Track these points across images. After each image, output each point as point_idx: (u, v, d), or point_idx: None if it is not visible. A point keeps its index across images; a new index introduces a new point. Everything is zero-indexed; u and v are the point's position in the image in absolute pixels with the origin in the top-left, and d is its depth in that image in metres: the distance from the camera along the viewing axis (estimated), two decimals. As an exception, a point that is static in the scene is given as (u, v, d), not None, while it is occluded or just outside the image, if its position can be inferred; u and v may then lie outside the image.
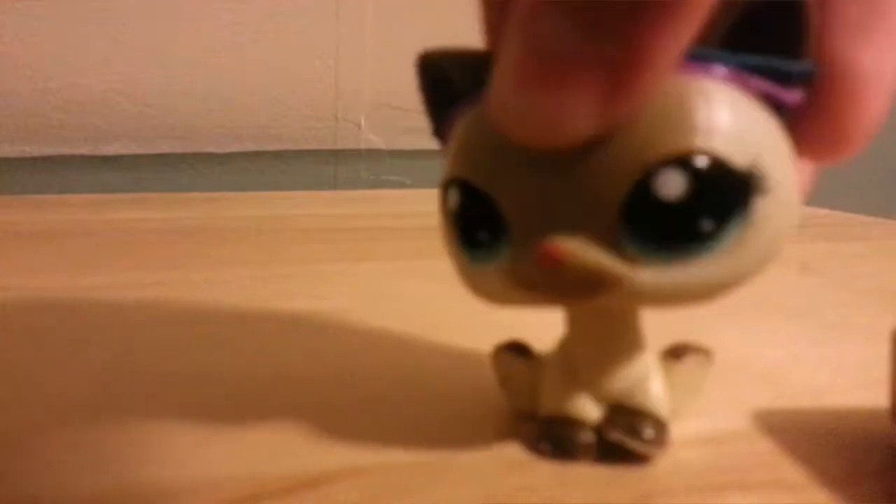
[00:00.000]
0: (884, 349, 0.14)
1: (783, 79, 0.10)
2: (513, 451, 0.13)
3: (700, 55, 0.10)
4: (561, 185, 0.10)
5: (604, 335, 0.13)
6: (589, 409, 0.13)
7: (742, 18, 0.10)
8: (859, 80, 0.10)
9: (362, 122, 0.55)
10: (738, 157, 0.10)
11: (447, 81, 0.12)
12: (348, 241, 0.33)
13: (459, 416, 0.14)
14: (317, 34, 0.52)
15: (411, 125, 0.53)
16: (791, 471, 0.12)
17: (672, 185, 0.09)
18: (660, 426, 0.12)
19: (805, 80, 0.10)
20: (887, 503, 0.12)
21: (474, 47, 0.11)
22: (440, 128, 0.12)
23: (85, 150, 0.54)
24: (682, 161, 0.09)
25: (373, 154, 0.56)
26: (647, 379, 0.13)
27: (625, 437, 0.12)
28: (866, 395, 0.15)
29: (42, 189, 0.54)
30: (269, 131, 0.56)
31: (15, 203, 0.48)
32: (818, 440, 0.14)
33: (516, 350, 0.14)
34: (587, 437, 0.12)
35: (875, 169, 0.75)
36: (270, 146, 0.57)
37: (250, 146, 0.57)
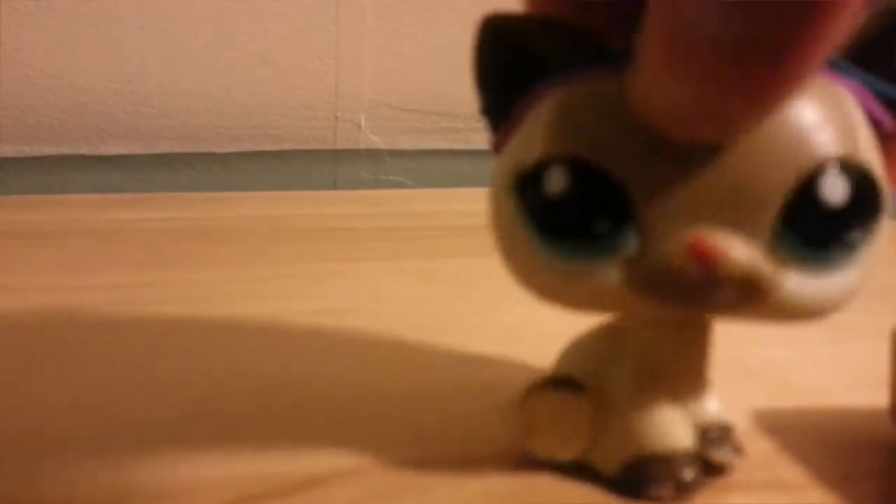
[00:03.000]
0: (884, 349, 0.14)
1: (886, 103, 0.10)
2: (512, 451, 0.13)
3: (839, 65, 0.09)
4: (712, 177, 0.09)
5: (696, 351, 0.11)
6: (690, 436, 0.12)
7: (865, 34, 0.10)
8: None
9: (362, 122, 0.55)
10: (877, 171, 0.09)
11: (528, 53, 0.10)
12: (348, 241, 0.33)
13: (459, 417, 0.14)
14: (317, 34, 0.52)
15: (411, 125, 0.53)
16: (791, 471, 0.12)
17: (838, 189, 0.09)
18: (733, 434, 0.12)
19: None
20: (887, 503, 0.12)
21: (555, 16, 0.10)
22: (504, 103, 0.11)
23: (85, 149, 0.54)
24: (848, 166, 0.09)
25: (373, 154, 0.56)
26: (710, 392, 0.12)
27: (730, 456, 0.12)
28: (866, 395, 0.15)
29: (42, 189, 0.54)
30: (269, 131, 0.56)
31: (15, 203, 0.48)
32: (818, 440, 0.14)
33: (566, 386, 0.12)
34: (698, 465, 0.11)
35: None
36: (270, 146, 0.57)
37: (250, 146, 0.57)
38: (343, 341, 0.18)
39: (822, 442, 0.13)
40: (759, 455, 0.13)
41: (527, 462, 0.12)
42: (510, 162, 0.10)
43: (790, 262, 0.09)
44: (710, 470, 0.12)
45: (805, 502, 0.12)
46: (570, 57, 0.10)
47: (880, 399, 0.14)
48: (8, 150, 0.53)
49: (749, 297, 0.09)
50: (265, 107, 0.56)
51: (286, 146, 0.57)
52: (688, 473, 0.11)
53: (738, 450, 0.12)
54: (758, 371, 0.17)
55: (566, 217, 0.10)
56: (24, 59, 0.50)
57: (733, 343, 0.19)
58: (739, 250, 0.09)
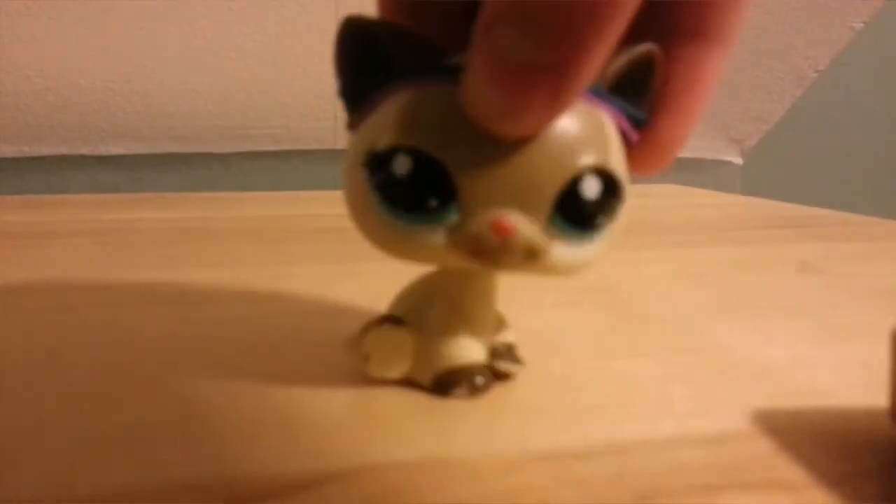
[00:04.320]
0: (884, 349, 0.14)
1: (636, 124, 0.14)
2: (512, 451, 0.13)
3: (600, 92, 0.13)
4: (511, 169, 0.12)
5: (487, 295, 0.16)
6: (482, 353, 0.16)
7: (624, 71, 0.13)
8: (666, 142, 0.14)
9: (362, 122, 0.55)
10: (621, 174, 0.13)
11: (376, 51, 0.13)
12: (349, 241, 0.33)
13: (459, 416, 0.14)
14: (317, 34, 0.52)
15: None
16: (791, 471, 0.12)
17: (592, 188, 0.13)
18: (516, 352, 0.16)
19: (642, 126, 0.14)
20: (887, 503, 0.12)
21: (408, 24, 0.13)
22: (358, 91, 0.13)
23: (84, 149, 0.54)
24: (601, 172, 0.13)
25: (372, 154, 0.56)
26: (502, 322, 0.17)
27: (512, 366, 0.16)
28: (866, 395, 0.15)
29: (41, 189, 0.54)
30: (269, 131, 0.56)
31: (14, 203, 0.48)
32: (818, 440, 0.14)
33: (392, 322, 0.15)
34: (488, 374, 0.15)
35: (875, 169, 0.75)
36: (270, 146, 0.57)
37: (250, 146, 0.57)
38: (343, 341, 0.18)
39: (822, 442, 0.13)
40: (759, 455, 0.13)
41: (527, 462, 0.13)
42: (365, 142, 0.13)
43: (558, 236, 0.13)
44: (499, 377, 0.16)
45: (805, 502, 0.12)
46: (415, 62, 0.13)
47: (880, 399, 0.14)
48: (8, 150, 0.53)
49: (529, 260, 0.12)
50: (265, 107, 0.56)
51: (286, 146, 0.57)
52: (479, 380, 0.15)
53: (518, 361, 0.16)
54: (758, 371, 0.17)
55: (407, 194, 0.13)
56: (24, 59, 0.50)
57: (733, 343, 0.19)
58: (525, 227, 0.12)
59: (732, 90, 0.64)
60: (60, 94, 0.52)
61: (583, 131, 0.12)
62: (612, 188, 0.13)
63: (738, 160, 0.69)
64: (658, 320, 0.21)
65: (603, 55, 0.11)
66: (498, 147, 0.12)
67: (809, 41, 0.62)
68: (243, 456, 0.13)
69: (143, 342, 0.18)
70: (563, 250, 0.13)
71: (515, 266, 0.12)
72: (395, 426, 0.14)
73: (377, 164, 0.13)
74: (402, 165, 0.12)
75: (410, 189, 0.12)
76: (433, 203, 0.12)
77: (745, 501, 0.12)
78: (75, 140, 0.54)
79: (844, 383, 0.16)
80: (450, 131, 0.12)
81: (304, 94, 0.55)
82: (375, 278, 0.25)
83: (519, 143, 0.12)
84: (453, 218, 0.12)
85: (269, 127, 0.56)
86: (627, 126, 0.14)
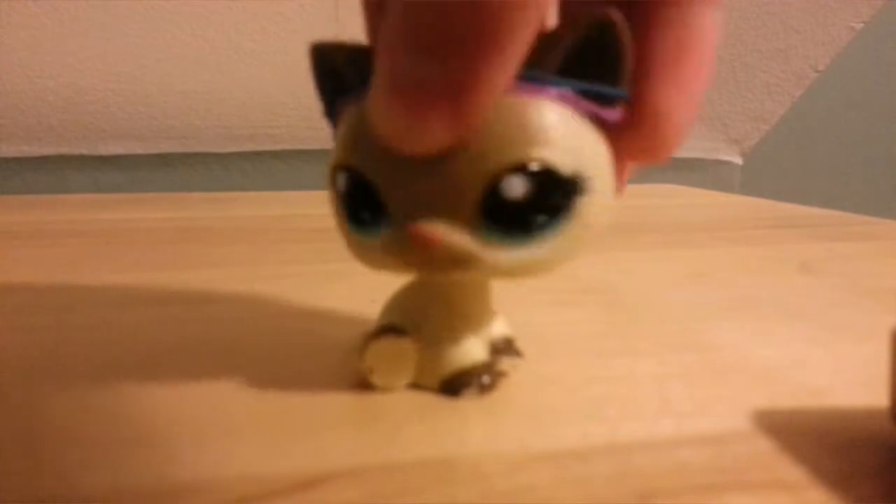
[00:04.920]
0: (884, 349, 0.14)
1: (604, 101, 0.13)
2: (512, 451, 0.13)
3: (536, 79, 0.12)
4: (430, 181, 0.12)
5: (483, 294, 0.16)
6: (484, 351, 0.16)
7: (575, 47, 0.12)
8: (660, 117, 0.13)
9: (362, 122, 0.55)
10: (564, 164, 0.12)
11: (337, 72, 0.13)
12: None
13: (459, 417, 0.14)
14: (317, 34, 0.52)
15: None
16: (791, 471, 0.12)
17: (515, 188, 0.12)
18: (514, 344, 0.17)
19: (621, 102, 0.13)
20: (887, 503, 0.12)
21: (363, 43, 0.13)
22: (332, 113, 0.14)
23: (84, 149, 0.54)
24: (522, 169, 0.12)
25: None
26: (497, 316, 0.17)
27: (512, 362, 0.16)
28: (866, 395, 0.15)
29: (41, 189, 0.54)
30: (269, 131, 0.56)
31: (14, 203, 0.48)
32: (818, 440, 0.14)
33: (392, 332, 0.15)
34: (493, 371, 0.15)
35: (875, 169, 0.75)
36: (270, 146, 0.57)
37: (250, 146, 0.57)
38: (343, 341, 0.18)
39: (822, 442, 0.13)
40: (759, 455, 0.13)
41: (526, 462, 0.13)
42: (330, 159, 0.14)
43: (492, 240, 0.12)
44: (499, 374, 0.16)
45: (805, 502, 0.12)
46: (360, 77, 0.13)
47: (880, 399, 0.14)
48: (8, 150, 0.53)
49: (459, 266, 0.12)
50: (265, 107, 0.56)
51: (286, 146, 0.57)
52: (486, 379, 0.15)
53: (519, 354, 0.16)
54: (758, 371, 0.17)
55: (348, 208, 0.13)
56: (24, 59, 0.50)
57: (733, 343, 0.19)
58: (450, 236, 0.12)
59: (732, 90, 0.64)
60: (60, 94, 0.52)
61: (504, 129, 0.12)
62: (545, 184, 0.12)
63: (738, 160, 0.69)
64: (658, 320, 0.21)
65: (505, 66, 0.10)
66: (415, 159, 0.12)
67: (809, 41, 0.62)
68: (243, 455, 0.13)
69: (143, 342, 0.18)
70: (502, 254, 0.12)
71: (452, 273, 0.13)
72: (395, 426, 0.14)
73: (332, 179, 0.14)
74: (342, 182, 0.13)
75: (350, 204, 0.13)
76: (366, 216, 0.13)
77: (745, 501, 0.12)
78: (75, 140, 0.54)
79: (844, 383, 0.16)
80: (372, 147, 0.12)
81: (304, 95, 0.55)
82: (374, 277, 0.25)
83: (435, 157, 0.12)
84: (386, 230, 0.13)
85: (269, 127, 0.56)
86: (593, 106, 0.12)
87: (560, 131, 0.12)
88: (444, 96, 0.11)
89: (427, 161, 0.12)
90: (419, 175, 0.12)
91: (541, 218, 0.12)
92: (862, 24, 0.61)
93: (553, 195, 0.12)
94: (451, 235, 0.12)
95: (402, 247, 0.12)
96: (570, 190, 0.12)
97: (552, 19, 0.13)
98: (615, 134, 0.13)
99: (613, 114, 0.13)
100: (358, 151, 0.13)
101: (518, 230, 0.12)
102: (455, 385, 0.15)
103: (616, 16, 0.12)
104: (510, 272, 0.13)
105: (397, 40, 0.11)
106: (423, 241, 0.12)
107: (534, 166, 0.12)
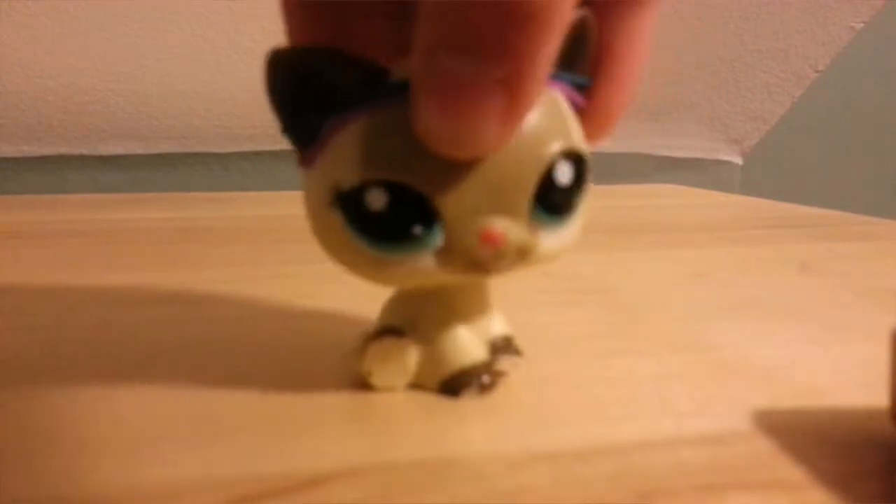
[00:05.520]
0: (884, 349, 0.14)
1: (581, 90, 0.14)
2: (512, 451, 0.13)
3: (553, 74, 0.13)
4: (485, 177, 0.12)
5: (481, 293, 0.16)
6: (483, 350, 0.16)
7: (565, 42, 0.12)
8: (611, 111, 0.14)
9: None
10: (583, 147, 0.13)
11: (318, 83, 0.12)
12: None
13: (459, 416, 0.14)
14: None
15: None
16: (791, 471, 0.12)
17: (566, 173, 0.13)
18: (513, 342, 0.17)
19: (584, 89, 0.14)
20: (887, 503, 0.12)
21: (349, 52, 0.12)
22: (304, 126, 0.13)
23: (84, 149, 0.54)
24: (569, 155, 0.13)
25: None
26: (495, 315, 0.16)
27: (511, 361, 0.16)
28: (866, 395, 0.15)
29: (41, 189, 0.54)
30: (269, 131, 0.56)
31: (14, 203, 0.48)
32: (818, 440, 0.13)
33: (391, 333, 0.15)
34: (493, 370, 0.15)
35: (875, 169, 0.75)
36: (270, 146, 0.57)
37: (250, 146, 0.57)
38: (343, 341, 0.18)
39: (822, 442, 0.13)
40: (759, 455, 0.13)
41: (527, 462, 0.13)
42: (327, 181, 0.13)
43: (541, 227, 0.13)
44: (502, 373, 0.16)
45: (805, 502, 0.12)
46: (361, 86, 0.12)
47: (880, 399, 0.14)
48: (8, 150, 0.53)
49: (523, 260, 0.13)
50: (265, 107, 0.55)
51: (286, 146, 0.57)
52: (486, 378, 0.15)
53: (518, 352, 0.16)
54: (758, 371, 0.17)
55: (388, 226, 0.12)
56: (24, 59, 0.50)
57: (733, 343, 0.19)
58: (512, 230, 0.12)
59: (732, 90, 0.64)
60: (60, 94, 0.52)
61: (545, 119, 0.12)
62: (580, 168, 0.13)
63: (738, 160, 0.69)
64: (658, 320, 0.21)
65: (548, 59, 0.11)
66: (468, 164, 0.12)
67: (809, 41, 0.62)
68: (243, 455, 0.13)
69: (143, 342, 0.18)
70: (547, 240, 0.13)
71: (508, 268, 0.13)
72: (395, 426, 0.14)
73: (347, 202, 0.12)
74: (376, 200, 0.12)
75: (392, 221, 0.12)
76: (417, 230, 0.12)
77: (745, 501, 0.12)
78: (75, 140, 0.54)
79: (844, 383, 0.16)
80: (415, 155, 0.12)
81: (304, 94, 0.55)
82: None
83: (488, 156, 0.12)
84: (439, 239, 0.12)
85: (269, 127, 0.56)
86: (576, 96, 0.14)
87: (574, 118, 0.14)
88: (497, 95, 0.10)
89: (479, 161, 0.12)
90: (472, 176, 0.12)
91: (577, 198, 0.13)
92: (862, 24, 0.61)
93: (585, 176, 0.13)
94: (516, 228, 0.12)
95: (465, 251, 0.12)
96: (588, 170, 0.13)
97: None
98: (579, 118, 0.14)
99: (583, 102, 0.14)
100: (402, 164, 0.12)
101: (564, 213, 0.13)
102: (455, 385, 0.15)
103: (592, 18, 0.13)
104: (548, 258, 0.13)
105: (438, 43, 0.10)
106: (494, 240, 0.12)
107: (576, 153, 0.13)
